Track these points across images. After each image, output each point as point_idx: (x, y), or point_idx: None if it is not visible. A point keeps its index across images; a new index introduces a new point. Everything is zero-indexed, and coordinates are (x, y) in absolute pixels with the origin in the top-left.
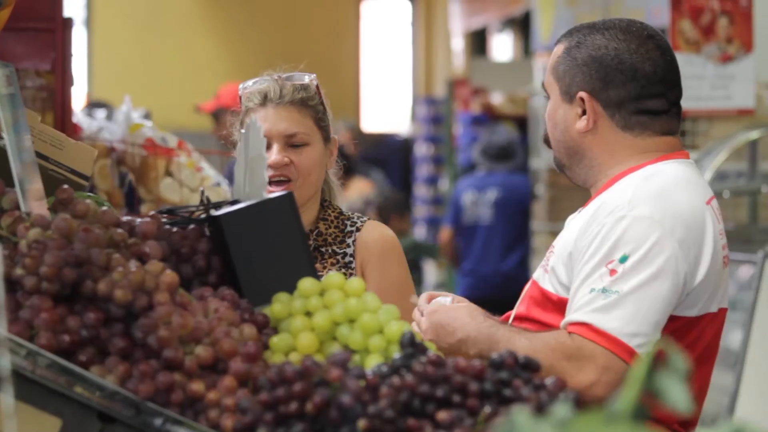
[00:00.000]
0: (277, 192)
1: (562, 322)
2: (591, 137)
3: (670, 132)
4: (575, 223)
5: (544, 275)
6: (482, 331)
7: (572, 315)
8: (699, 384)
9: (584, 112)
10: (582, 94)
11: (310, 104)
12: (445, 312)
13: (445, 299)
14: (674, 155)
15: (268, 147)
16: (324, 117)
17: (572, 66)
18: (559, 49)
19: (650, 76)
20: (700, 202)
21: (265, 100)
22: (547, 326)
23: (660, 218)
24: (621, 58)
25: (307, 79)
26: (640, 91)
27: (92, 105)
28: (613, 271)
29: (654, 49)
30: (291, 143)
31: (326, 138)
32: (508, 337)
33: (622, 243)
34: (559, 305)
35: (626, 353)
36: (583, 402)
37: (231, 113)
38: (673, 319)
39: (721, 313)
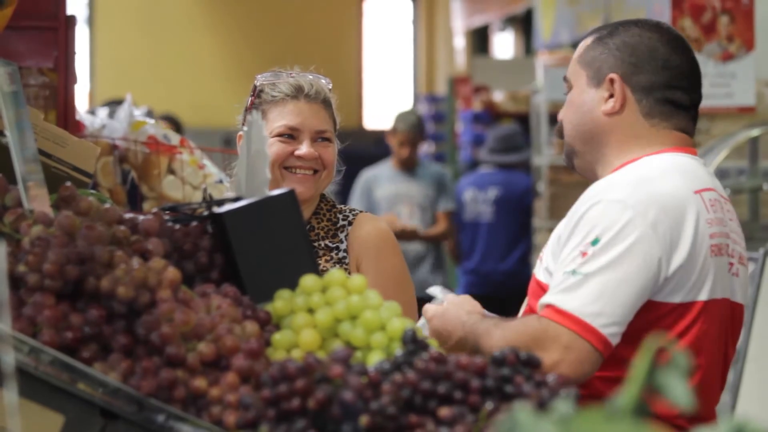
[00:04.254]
0: (296, 183)
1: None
2: (614, 121)
3: (685, 130)
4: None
5: (539, 265)
6: (468, 330)
7: (542, 298)
8: (697, 376)
9: (610, 96)
10: (613, 75)
11: (331, 106)
12: (440, 318)
13: (436, 300)
14: (681, 149)
15: (295, 138)
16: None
17: (603, 51)
18: (588, 40)
19: (680, 68)
20: (686, 189)
21: (298, 93)
22: None
23: (633, 202)
24: (654, 46)
25: (324, 81)
26: (669, 80)
27: (109, 104)
28: (584, 254)
29: (683, 47)
30: (319, 138)
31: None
32: (487, 330)
33: (595, 227)
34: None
35: (589, 333)
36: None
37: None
38: (655, 306)
39: (721, 303)
